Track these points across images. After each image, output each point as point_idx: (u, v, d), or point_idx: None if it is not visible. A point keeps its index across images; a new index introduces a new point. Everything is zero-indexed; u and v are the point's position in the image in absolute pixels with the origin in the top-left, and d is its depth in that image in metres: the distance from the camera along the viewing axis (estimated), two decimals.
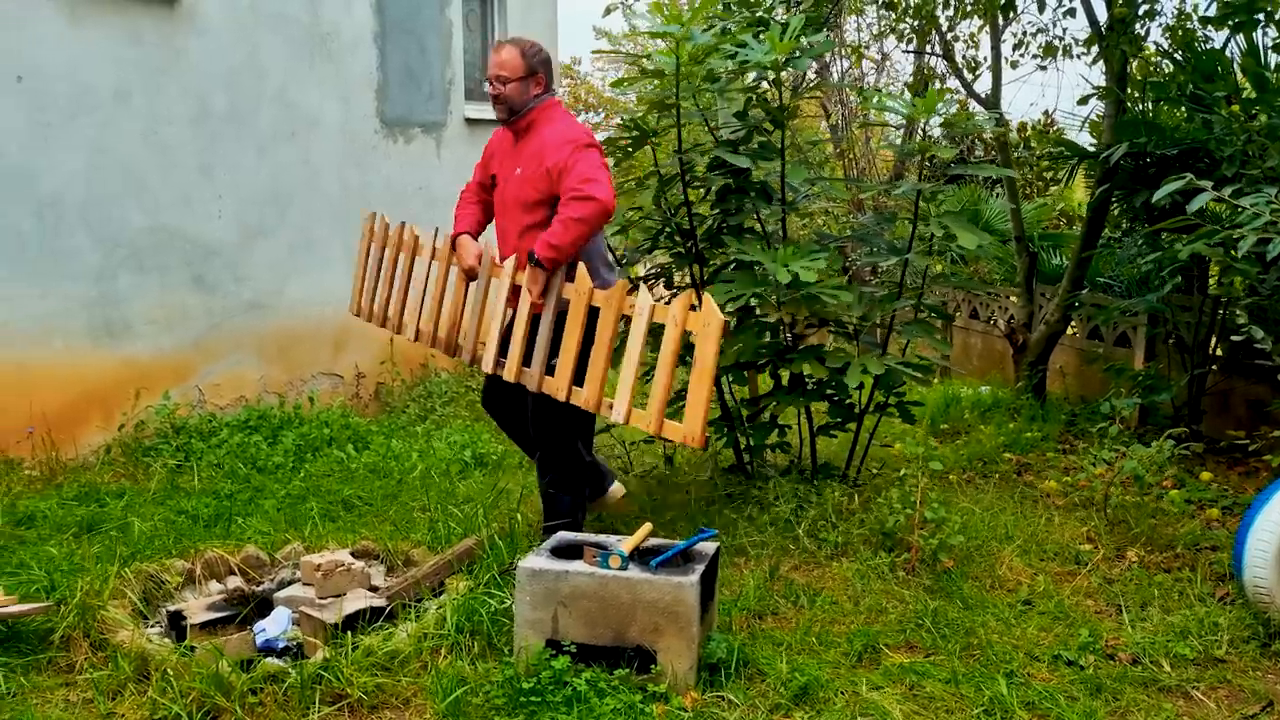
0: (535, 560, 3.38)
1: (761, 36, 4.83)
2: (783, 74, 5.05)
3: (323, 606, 3.64)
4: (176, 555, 4.12)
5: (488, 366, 4.28)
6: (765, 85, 5.33)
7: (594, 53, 17.74)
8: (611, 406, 3.94)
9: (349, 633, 3.45)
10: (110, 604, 3.55)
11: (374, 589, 3.88)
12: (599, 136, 15.19)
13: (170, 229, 6.48)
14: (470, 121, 8.93)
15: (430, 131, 8.51)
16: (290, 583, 4.03)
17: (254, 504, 5.01)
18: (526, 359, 4.17)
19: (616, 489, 4.68)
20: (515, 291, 4.24)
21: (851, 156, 10.42)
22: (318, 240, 7.48)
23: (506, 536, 4.06)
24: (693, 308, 3.83)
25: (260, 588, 4.06)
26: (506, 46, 4.34)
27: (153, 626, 3.65)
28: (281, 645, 3.63)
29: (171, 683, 3.17)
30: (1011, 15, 6.84)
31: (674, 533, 4.38)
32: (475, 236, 4.49)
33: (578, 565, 3.34)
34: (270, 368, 7.11)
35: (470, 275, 4.45)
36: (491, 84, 4.29)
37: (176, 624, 3.63)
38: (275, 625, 3.70)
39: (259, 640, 3.62)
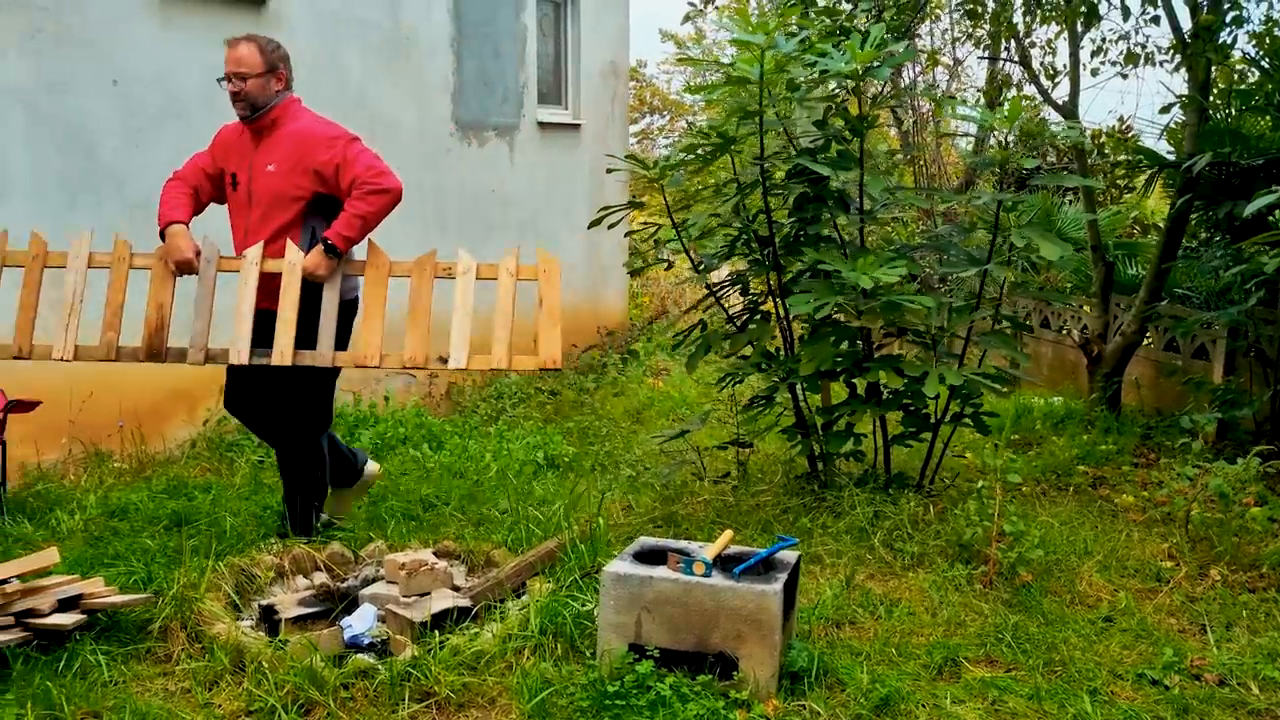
0: (620, 565, 3.43)
1: (842, 46, 4.84)
2: (862, 83, 5.05)
3: (408, 605, 3.72)
4: (264, 551, 4.22)
5: (242, 359, 4.11)
6: (844, 94, 5.34)
7: (679, 61, 17.73)
8: (444, 359, 4.20)
9: (436, 632, 3.52)
10: (206, 597, 3.65)
11: (456, 589, 3.95)
12: (664, 139, 15.20)
13: None
14: (542, 125, 9.03)
15: (503, 135, 8.61)
16: (374, 580, 4.11)
17: None
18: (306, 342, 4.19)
19: (373, 467, 4.89)
20: (266, 280, 4.17)
21: (921, 163, 10.35)
22: (392, 241, 7.52)
23: (587, 540, 4.11)
24: None
25: (345, 584, 4.15)
26: (243, 43, 4.28)
27: (245, 619, 3.75)
28: (367, 641, 3.72)
29: (266, 675, 3.26)
30: (1094, 22, 6.76)
31: (748, 540, 4.41)
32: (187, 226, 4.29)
33: (661, 571, 3.38)
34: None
35: (185, 269, 4.21)
36: (230, 81, 4.24)
37: (269, 618, 3.73)
38: (361, 622, 3.79)
39: (346, 636, 3.71)
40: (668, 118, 19.56)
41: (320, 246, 4.19)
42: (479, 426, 6.99)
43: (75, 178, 5.72)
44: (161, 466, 5.73)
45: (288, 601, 3.78)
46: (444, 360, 4.22)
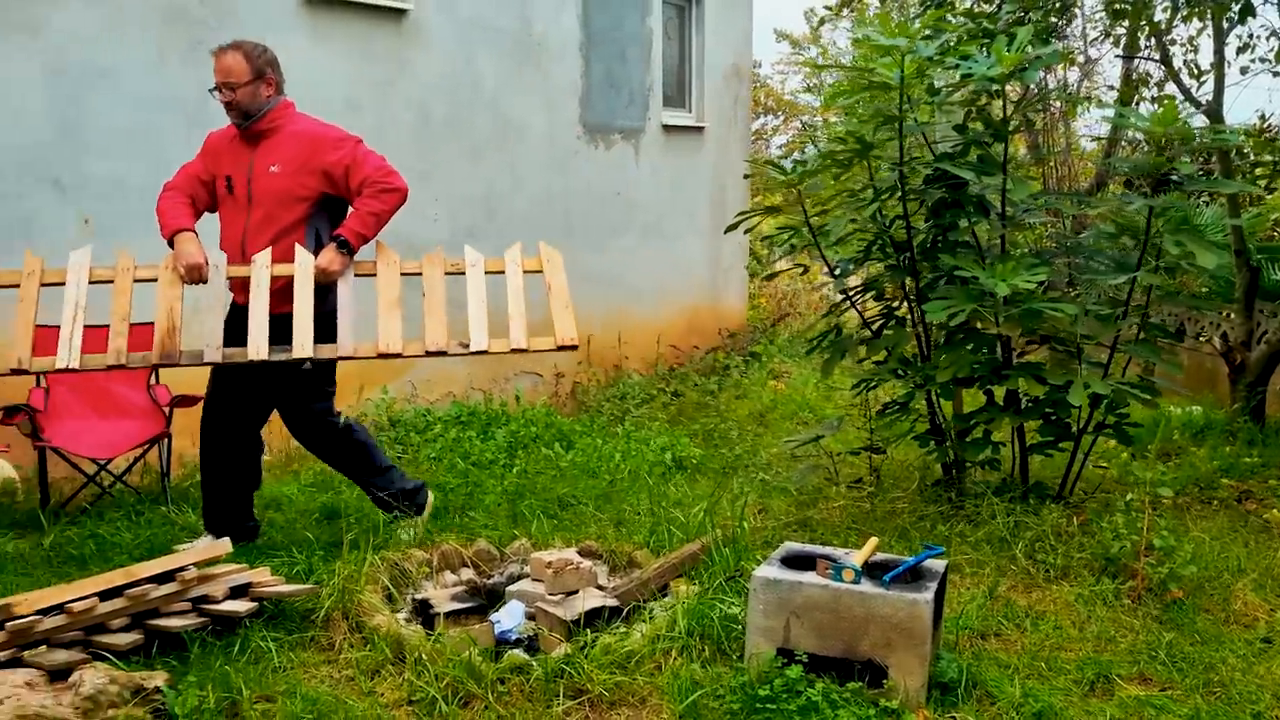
0: (768, 570, 3.46)
1: (986, 49, 4.78)
2: (1006, 86, 4.98)
3: (558, 603, 3.80)
4: (414, 545, 4.36)
5: (262, 354, 4.10)
6: (987, 98, 5.27)
7: (814, 66, 17.59)
8: (465, 343, 4.35)
9: (587, 630, 3.60)
10: (365, 589, 3.80)
11: (601, 588, 4.03)
12: (778, 139, 15.04)
13: (391, 231, 6.77)
14: (667, 128, 9.09)
15: (629, 138, 8.70)
16: (519, 578, 4.22)
17: (474, 498, 5.24)
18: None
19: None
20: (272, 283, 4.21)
21: (1050, 165, 10.14)
22: (520, 243, 7.73)
23: (729, 543, 4.15)
24: None
25: (491, 581, 4.26)
26: (229, 52, 4.28)
27: (400, 612, 3.88)
28: (515, 637, 3.81)
29: (426, 667, 3.37)
30: (1246, 19, 6.53)
31: (885, 547, 4.39)
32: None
33: (810, 577, 3.40)
34: (476, 365, 7.40)
35: (195, 275, 4.20)
36: (221, 91, 4.26)
37: (423, 611, 3.85)
38: (510, 618, 3.89)
39: (496, 632, 3.81)
40: (781, 118, 19.47)
41: (333, 245, 4.27)
42: (605, 426, 7.08)
43: None
44: (308, 460, 5.94)
45: (441, 596, 3.91)
46: (465, 345, 4.39)
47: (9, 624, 3.22)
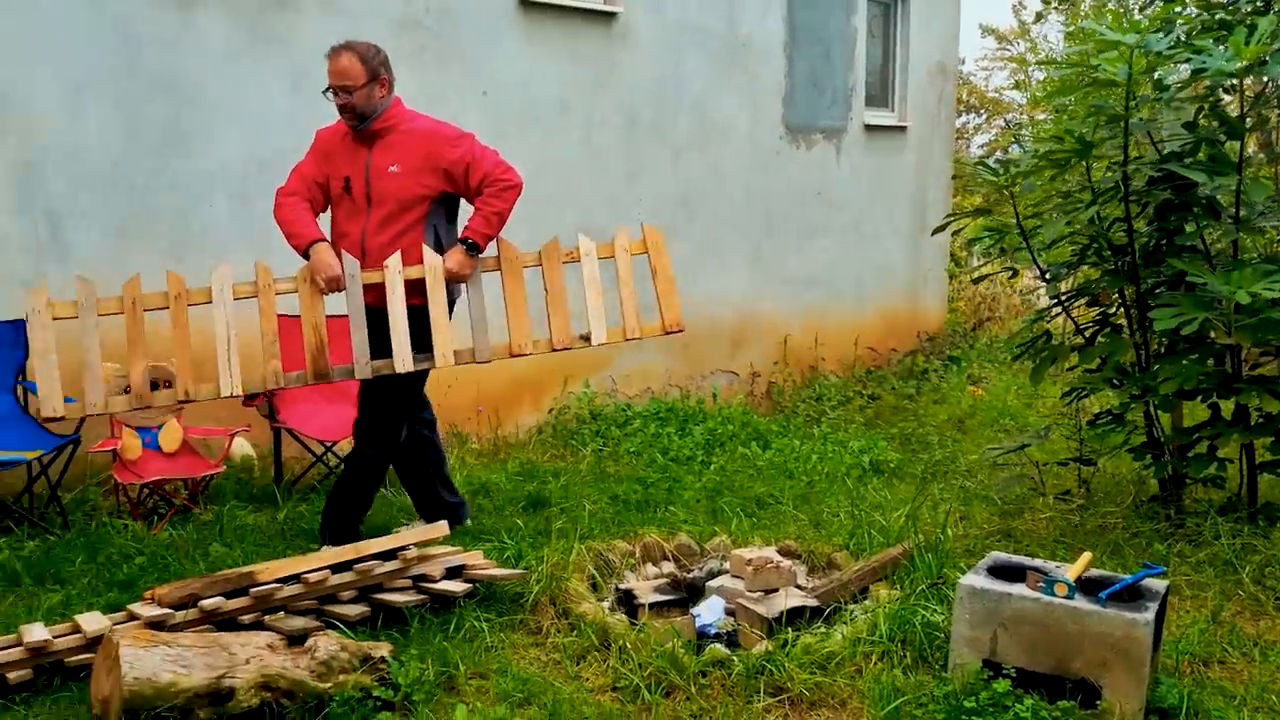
0: (975, 579, 3.39)
1: (1222, 42, 4.52)
2: (1244, 81, 4.70)
3: (758, 600, 3.84)
4: (618, 537, 4.48)
5: (408, 366, 4.16)
6: (1221, 93, 4.99)
7: (1025, 62, 17.05)
8: (586, 336, 4.42)
9: (787, 628, 3.62)
10: (572, 577, 3.93)
11: (800, 588, 4.04)
12: (980, 138, 14.51)
13: (597, 229, 6.95)
14: (869, 127, 8.97)
15: (831, 137, 8.64)
16: (719, 574, 4.27)
17: (673, 493, 5.33)
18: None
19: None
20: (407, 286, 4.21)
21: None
22: (721, 242, 7.81)
23: (932, 549, 4.09)
24: None
25: (691, 575, 4.34)
26: (344, 54, 4.22)
27: (604, 600, 4.00)
28: (714, 632, 3.87)
29: (630, 655, 3.47)
30: None
31: (1095, 563, 4.22)
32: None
33: (1020, 589, 3.32)
34: (674, 362, 7.52)
35: (334, 285, 4.18)
36: (337, 94, 4.21)
37: (627, 601, 3.95)
38: (710, 613, 3.95)
39: (696, 625, 3.88)
40: (984, 116, 18.86)
41: (461, 247, 4.27)
42: (802, 427, 7.07)
43: None
44: (513, 449, 6.19)
45: (644, 588, 4.00)
46: (586, 338, 4.44)
47: (253, 590, 3.50)
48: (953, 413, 7.64)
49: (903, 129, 9.39)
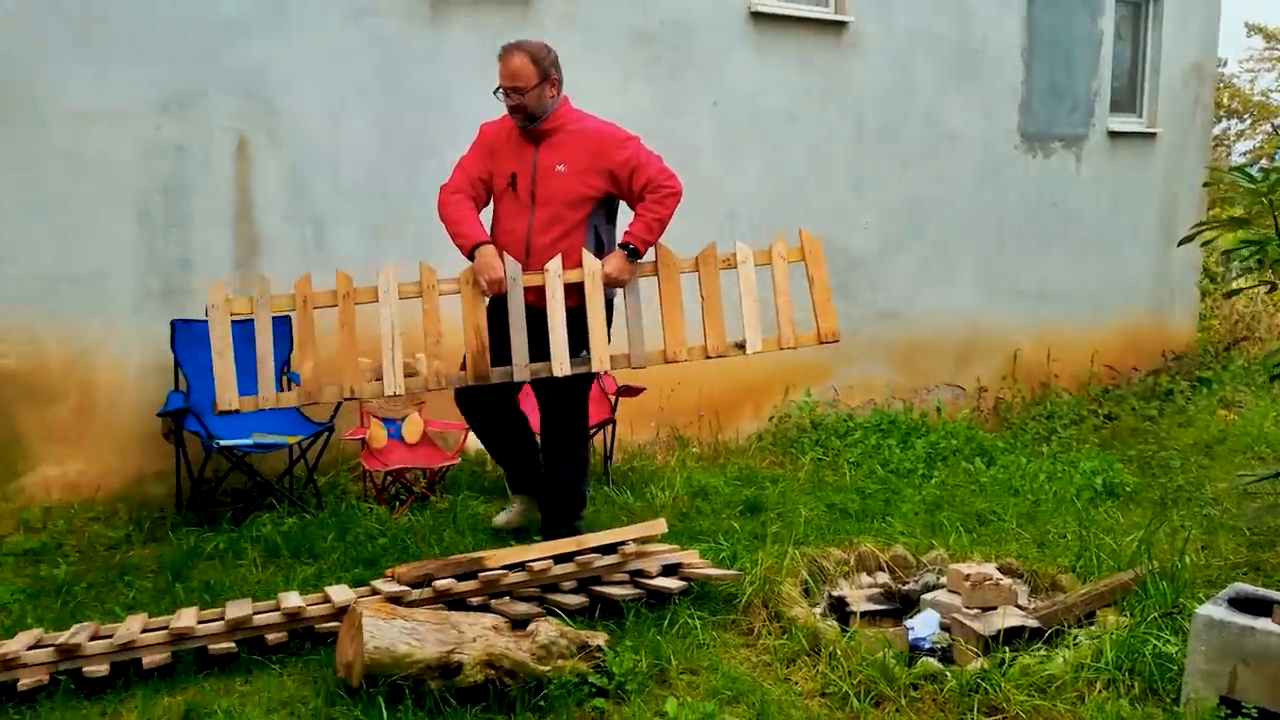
0: (1214, 610, 3.21)
1: None
2: None
3: (976, 617, 3.76)
4: (833, 545, 4.47)
5: (565, 369, 4.13)
6: None
7: None
8: (741, 344, 4.37)
9: (1005, 648, 3.53)
10: (785, 581, 3.96)
11: (1021, 608, 3.92)
12: (1242, 145, 13.59)
13: (823, 240, 6.97)
14: (1113, 134, 8.56)
15: (1070, 145, 8.29)
16: (934, 587, 4.20)
17: (891, 505, 5.27)
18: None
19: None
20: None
21: None
22: (948, 254, 7.64)
23: (1167, 577, 3.88)
24: None
25: (905, 587, 4.29)
26: (517, 54, 4.17)
27: (816, 606, 4.01)
28: (928, 646, 3.81)
29: (841, 662, 3.47)
30: None
31: None
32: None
33: (1266, 623, 3.12)
34: (897, 375, 7.41)
35: (497, 288, 4.15)
36: (508, 95, 4.16)
37: (839, 608, 3.96)
38: (924, 626, 3.90)
39: (910, 638, 3.84)
40: (1248, 121, 17.54)
41: (622, 252, 4.24)
42: (1030, 445, 6.82)
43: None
44: (733, 455, 6.26)
45: (857, 596, 3.99)
46: (741, 346, 4.38)
47: (481, 574, 3.71)
48: (1199, 437, 7.17)
49: (1151, 135, 8.89)
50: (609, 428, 5.58)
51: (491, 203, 4.37)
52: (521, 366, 4.17)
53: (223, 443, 4.72)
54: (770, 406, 6.78)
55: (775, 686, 3.43)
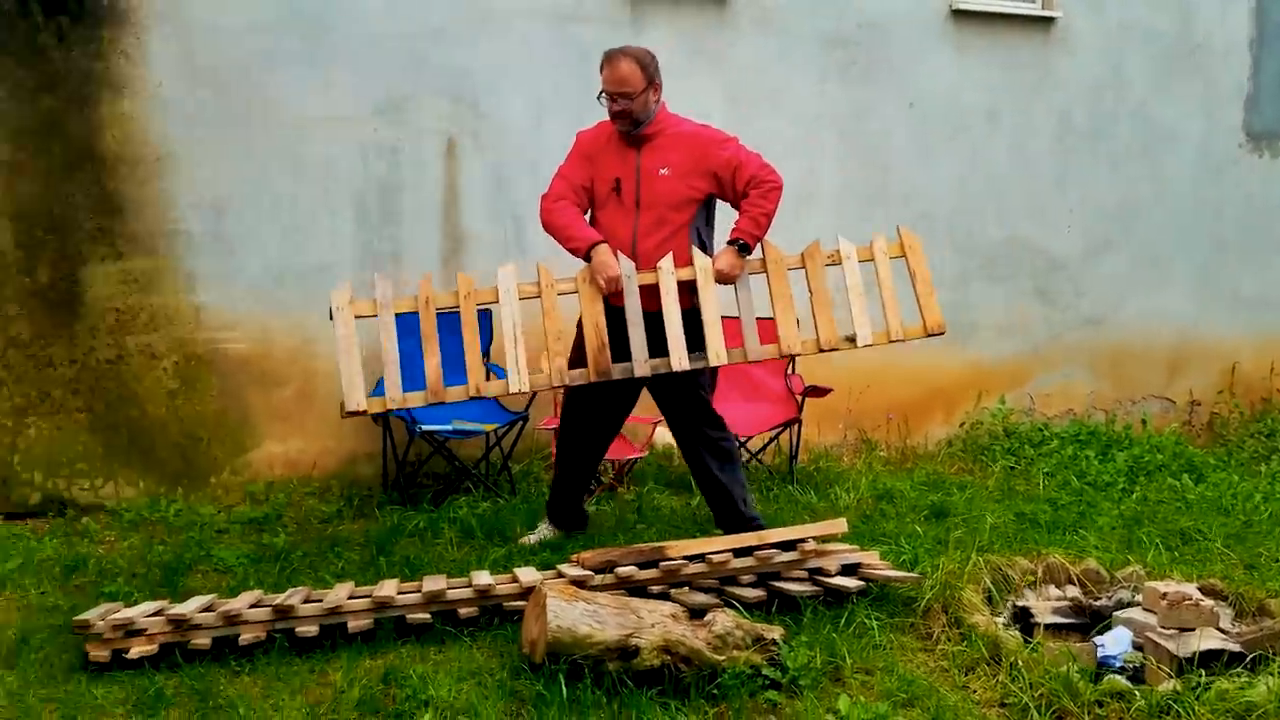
0: None
1: None
2: None
3: (1170, 637, 3.61)
4: (1019, 554, 4.37)
5: (684, 365, 4.16)
6: None
7: None
8: (851, 338, 4.40)
9: (1201, 671, 3.38)
10: (966, 587, 3.90)
11: (1223, 631, 3.73)
12: None
13: (1022, 241, 6.81)
14: None
15: None
16: (1129, 605, 4.05)
17: (1086, 518, 5.08)
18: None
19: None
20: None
21: None
22: (1160, 257, 7.26)
23: None
24: None
25: (1097, 603, 4.14)
26: (624, 61, 4.14)
27: (998, 615, 3.93)
28: (1118, 664, 3.68)
29: (1022, 673, 3.39)
30: None
31: None
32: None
33: None
34: (1100, 383, 7.10)
35: (615, 286, 4.14)
36: (614, 100, 4.13)
37: (1023, 619, 3.87)
38: (1115, 644, 3.76)
39: (1098, 654, 3.71)
40: None
41: (732, 248, 4.24)
42: (1246, 463, 6.43)
43: (871, 192, 6.37)
44: (921, 460, 6.17)
45: (1043, 608, 3.89)
46: (851, 339, 4.40)
47: (662, 563, 3.82)
48: None
49: None
50: (794, 427, 5.60)
51: (592, 209, 4.37)
52: (641, 362, 4.20)
53: (425, 428, 5.01)
54: (962, 412, 6.63)
55: (952, 693, 3.39)
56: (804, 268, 4.41)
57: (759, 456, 5.76)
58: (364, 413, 4.10)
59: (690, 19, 5.89)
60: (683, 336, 4.20)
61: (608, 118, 4.27)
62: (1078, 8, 6.77)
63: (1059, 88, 6.80)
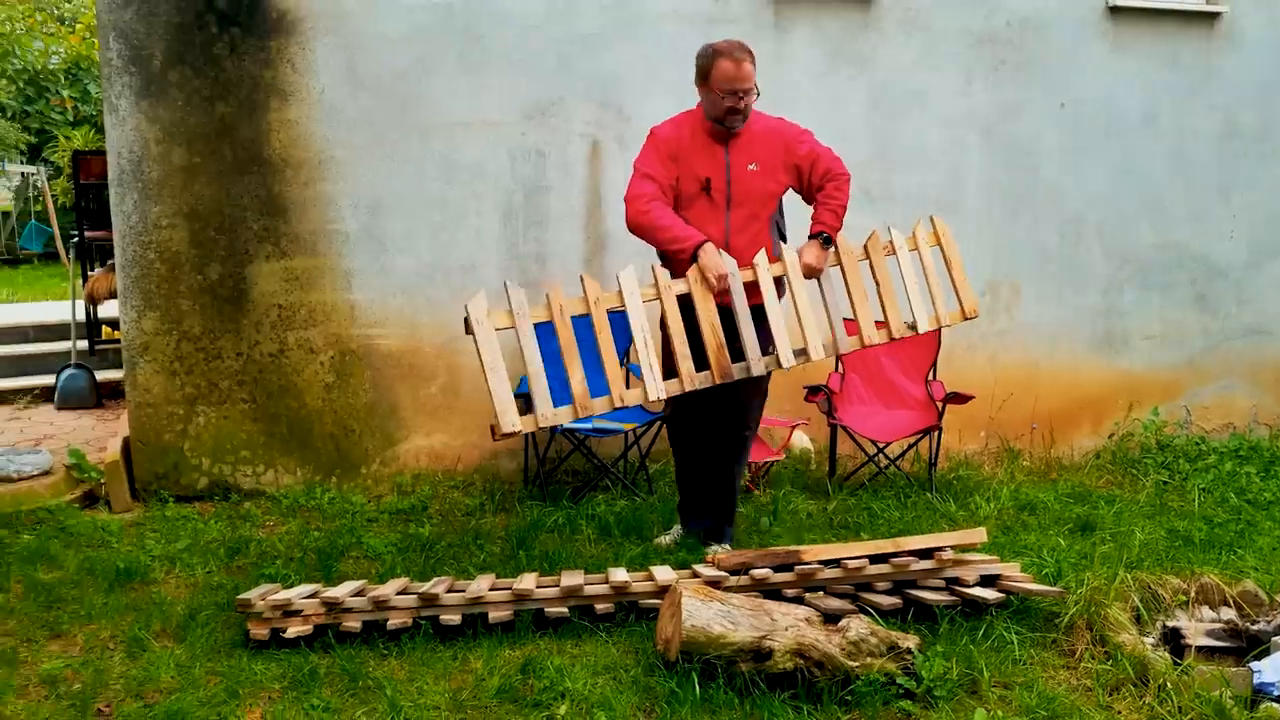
0: None
1: None
2: None
3: None
4: (1171, 573, 4.21)
5: (790, 360, 4.25)
6: None
7: None
8: (912, 325, 4.50)
9: None
10: (1113, 605, 3.78)
11: None
12: None
13: (1179, 247, 6.54)
14: None
15: None
16: None
17: (1245, 538, 4.86)
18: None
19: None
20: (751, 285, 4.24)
21: None
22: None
23: None
24: None
25: (1255, 626, 3.96)
26: (747, 58, 4.16)
27: (1147, 636, 3.80)
28: (1276, 692, 3.52)
29: (1170, 696, 3.28)
30: None
31: None
32: None
33: None
34: (1264, 397, 6.77)
35: (724, 285, 4.13)
36: (741, 98, 4.13)
37: (1173, 640, 3.73)
38: (1273, 670, 3.60)
39: (1255, 681, 3.56)
40: None
41: (816, 241, 4.32)
42: None
43: (1016, 194, 6.22)
44: (1066, 471, 6.00)
45: (1195, 629, 3.75)
46: (913, 327, 4.51)
47: (797, 567, 3.83)
48: None
49: None
50: (934, 435, 5.51)
51: (675, 208, 4.29)
52: (756, 360, 4.22)
53: (565, 426, 5.11)
54: (1111, 423, 6.41)
55: (1095, 712, 3.30)
56: (869, 259, 4.52)
57: (897, 463, 5.69)
58: (518, 433, 3.99)
59: (834, 20, 5.85)
60: (784, 332, 4.27)
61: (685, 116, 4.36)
62: (1245, 3, 6.46)
63: (1224, 88, 6.51)
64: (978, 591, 3.82)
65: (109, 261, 7.25)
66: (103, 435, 6.06)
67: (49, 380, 7.11)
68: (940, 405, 5.51)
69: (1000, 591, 3.85)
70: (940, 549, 3.92)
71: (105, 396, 6.97)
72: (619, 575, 3.88)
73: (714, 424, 4.49)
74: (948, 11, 5.99)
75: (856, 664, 3.33)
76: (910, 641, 3.45)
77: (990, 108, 6.13)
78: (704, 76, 4.23)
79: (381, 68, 5.32)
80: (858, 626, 3.44)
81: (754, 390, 4.45)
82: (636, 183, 4.24)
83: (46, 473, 5.20)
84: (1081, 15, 6.21)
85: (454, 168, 5.46)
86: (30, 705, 3.23)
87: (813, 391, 5.54)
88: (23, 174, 17.31)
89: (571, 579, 3.86)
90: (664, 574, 3.88)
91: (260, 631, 3.60)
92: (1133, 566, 4.13)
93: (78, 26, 18.03)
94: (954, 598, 3.82)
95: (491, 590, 3.78)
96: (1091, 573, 3.97)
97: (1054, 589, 3.87)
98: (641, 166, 4.27)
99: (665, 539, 4.63)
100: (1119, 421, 6.40)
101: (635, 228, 4.24)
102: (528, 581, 3.83)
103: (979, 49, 6.06)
